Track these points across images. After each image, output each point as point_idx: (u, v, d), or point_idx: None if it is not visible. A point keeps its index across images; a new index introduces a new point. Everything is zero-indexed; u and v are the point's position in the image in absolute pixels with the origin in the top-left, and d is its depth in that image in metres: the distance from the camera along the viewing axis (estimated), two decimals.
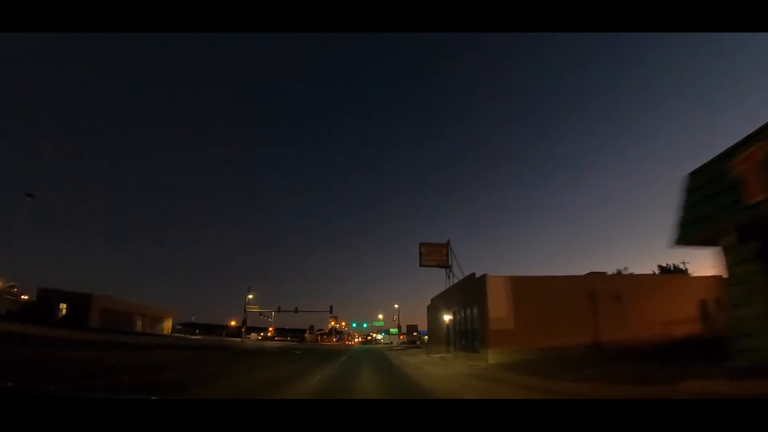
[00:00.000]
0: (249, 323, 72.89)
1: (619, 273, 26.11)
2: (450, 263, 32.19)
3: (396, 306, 74.10)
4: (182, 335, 54.37)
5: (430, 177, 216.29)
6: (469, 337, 21.02)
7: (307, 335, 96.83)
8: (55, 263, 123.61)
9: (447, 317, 24.78)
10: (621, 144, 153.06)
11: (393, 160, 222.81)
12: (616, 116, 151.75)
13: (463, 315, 22.16)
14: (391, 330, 72.66)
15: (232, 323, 73.63)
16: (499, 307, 17.43)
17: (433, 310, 31.64)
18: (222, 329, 76.27)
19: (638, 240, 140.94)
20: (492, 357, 16.64)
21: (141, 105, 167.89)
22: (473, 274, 20.88)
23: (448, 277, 31.38)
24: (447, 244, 33.12)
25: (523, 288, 17.96)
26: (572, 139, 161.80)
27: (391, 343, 74.26)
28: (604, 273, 22.48)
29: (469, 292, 20.86)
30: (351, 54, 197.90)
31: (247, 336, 72.06)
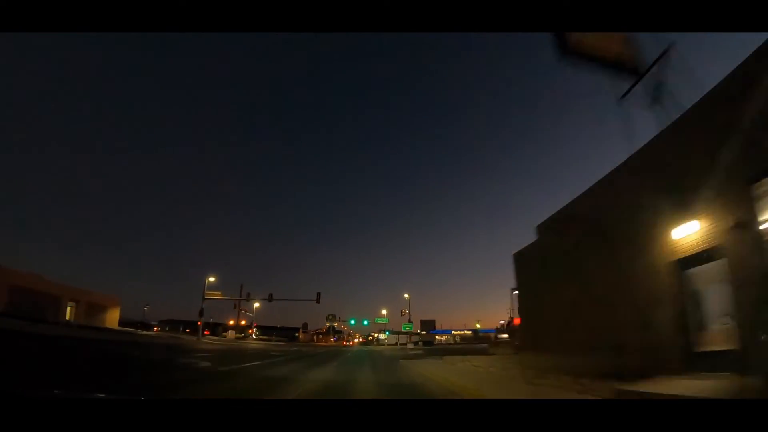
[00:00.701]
0: (239, 321, 61.85)
1: None
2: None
3: (406, 296, 54.08)
4: (130, 330, 41.73)
5: (431, 173, 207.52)
6: None
7: (299, 334, 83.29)
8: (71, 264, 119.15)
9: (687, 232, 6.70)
10: None
11: (395, 158, 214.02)
12: None
13: None
14: (403, 326, 56.08)
15: (231, 322, 65.84)
16: None
17: (548, 261, 12.04)
18: (223, 327, 68.82)
19: None
20: None
21: (135, 101, 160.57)
22: None
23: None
24: None
25: None
26: None
27: (404, 345, 57.13)
28: None
29: None
30: (350, 54, 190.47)
31: (224, 334, 62.19)
